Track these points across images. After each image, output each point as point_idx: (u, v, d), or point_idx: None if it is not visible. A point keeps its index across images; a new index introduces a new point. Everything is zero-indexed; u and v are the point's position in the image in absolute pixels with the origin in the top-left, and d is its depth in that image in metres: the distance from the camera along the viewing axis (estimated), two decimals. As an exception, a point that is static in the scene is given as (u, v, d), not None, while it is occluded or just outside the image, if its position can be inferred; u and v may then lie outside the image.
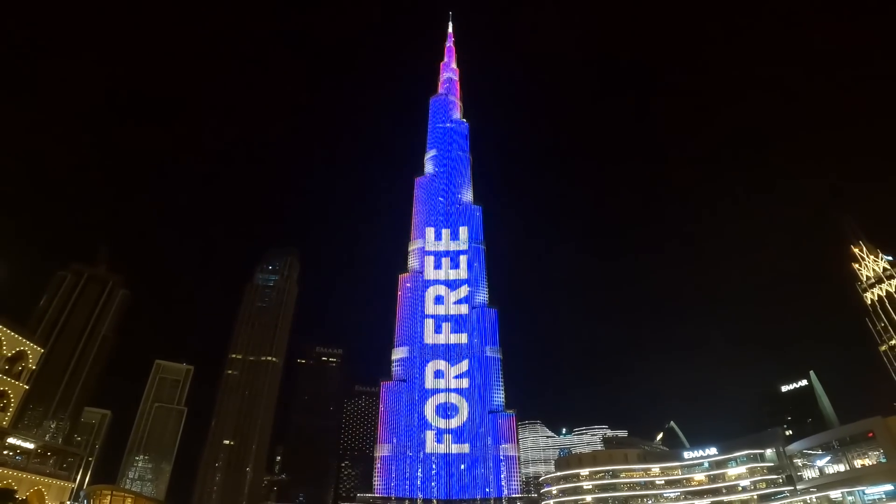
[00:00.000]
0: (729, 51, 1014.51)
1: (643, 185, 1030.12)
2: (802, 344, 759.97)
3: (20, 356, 68.26)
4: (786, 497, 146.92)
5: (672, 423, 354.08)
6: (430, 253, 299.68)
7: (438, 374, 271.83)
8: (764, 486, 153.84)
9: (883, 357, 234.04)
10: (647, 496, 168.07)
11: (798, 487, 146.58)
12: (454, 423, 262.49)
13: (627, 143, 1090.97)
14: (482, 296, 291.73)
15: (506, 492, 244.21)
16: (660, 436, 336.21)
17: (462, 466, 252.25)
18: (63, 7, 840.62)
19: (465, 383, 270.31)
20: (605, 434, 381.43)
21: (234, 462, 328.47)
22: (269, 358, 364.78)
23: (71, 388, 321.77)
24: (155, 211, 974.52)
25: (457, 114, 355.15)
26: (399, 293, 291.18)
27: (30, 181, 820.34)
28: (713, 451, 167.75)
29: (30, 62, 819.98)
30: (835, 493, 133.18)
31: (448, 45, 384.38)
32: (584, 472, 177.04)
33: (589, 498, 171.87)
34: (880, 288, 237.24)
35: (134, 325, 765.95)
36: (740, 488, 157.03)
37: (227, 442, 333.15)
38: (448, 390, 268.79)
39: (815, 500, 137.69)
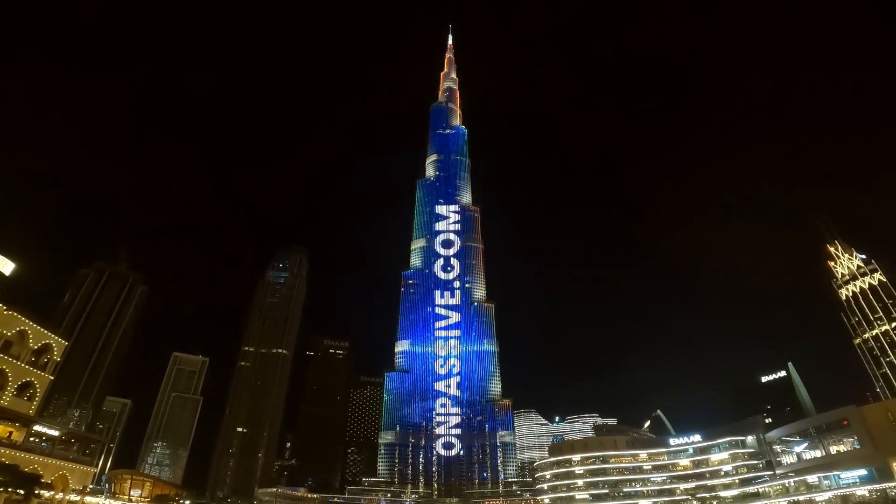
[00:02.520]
0: (714, 59, 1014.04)
1: (634, 189, 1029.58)
2: (781, 337, 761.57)
3: (46, 349, 68.19)
4: (766, 481, 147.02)
5: (658, 411, 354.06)
6: (431, 251, 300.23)
7: (439, 366, 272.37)
8: (745, 470, 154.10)
9: (857, 349, 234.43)
10: (635, 480, 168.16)
11: (777, 472, 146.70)
12: (454, 411, 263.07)
13: (619, 147, 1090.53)
14: (480, 292, 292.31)
15: (502, 476, 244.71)
16: (647, 423, 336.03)
17: (461, 452, 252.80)
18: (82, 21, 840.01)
19: (463, 374, 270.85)
20: (596, 422, 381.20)
21: (246, 448, 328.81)
22: (280, 350, 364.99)
23: (93, 378, 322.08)
24: (173, 212, 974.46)
25: (456, 120, 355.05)
26: (402, 289, 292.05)
27: (54, 184, 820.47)
28: (697, 438, 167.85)
29: (60, 74, 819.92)
30: (812, 478, 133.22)
31: (448, 55, 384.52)
32: (576, 457, 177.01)
33: (581, 482, 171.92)
34: (854, 284, 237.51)
35: (152, 320, 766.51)
36: (723, 473, 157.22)
37: (240, 429, 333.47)
38: (448, 381, 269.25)
39: (793, 484, 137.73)
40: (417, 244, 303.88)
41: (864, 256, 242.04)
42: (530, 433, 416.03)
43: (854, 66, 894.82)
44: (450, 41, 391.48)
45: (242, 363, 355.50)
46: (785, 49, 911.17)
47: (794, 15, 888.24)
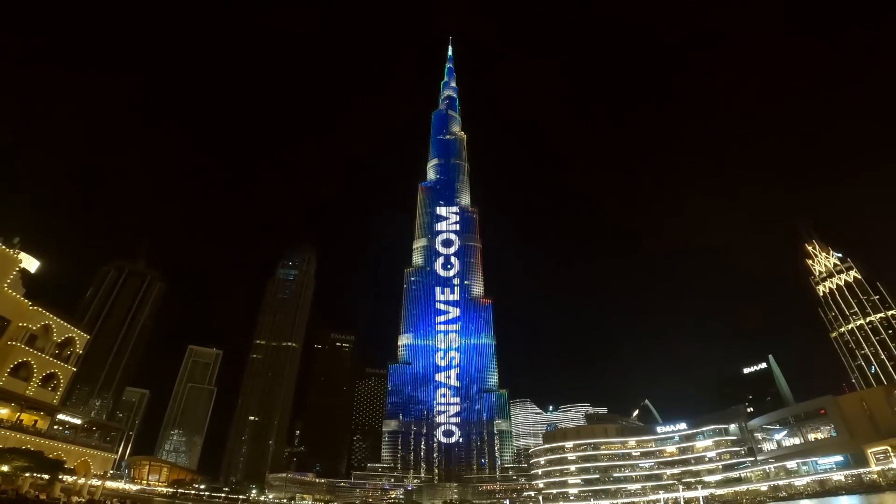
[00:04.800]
0: (698, 70, 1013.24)
1: (623, 191, 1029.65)
2: (762, 331, 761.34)
3: (69, 342, 68.05)
4: (747, 467, 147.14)
5: (646, 401, 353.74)
6: (432, 250, 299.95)
7: (439, 358, 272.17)
8: (728, 457, 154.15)
9: (833, 343, 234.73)
10: (624, 466, 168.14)
11: (758, 458, 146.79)
12: (453, 401, 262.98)
13: (609, 152, 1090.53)
14: (478, 288, 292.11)
15: (499, 462, 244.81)
16: (636, 412, 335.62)
17: (460, 440, 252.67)
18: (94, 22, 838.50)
19: (462, 366, 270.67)
20: (588, 411, 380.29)
21: (258, 436, 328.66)
22: (290, 343, 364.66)
23: (113, 370, 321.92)
24: (189, 213, 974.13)
25: (456, 127, 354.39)
26: (404, 286, 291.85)
27: (76, 185, 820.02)
28: (683, 426, 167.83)
29: (79, 75, 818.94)
30: (791, 464, 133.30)
31: (448, 65, 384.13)
32: (569, 444, 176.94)
33: (573, 467, 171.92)
34: (831, 281, 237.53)
35: (169, 314, 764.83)
36: (707, 459, 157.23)
37: (252, 418, 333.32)
38: (448, 372, 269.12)
39: (773, 469, 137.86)
40: (419, 243, 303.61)
41: (840, 255, 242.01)
42: (526, 421, 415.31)
43: (831, 71, 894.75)
44: (450, 52, 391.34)
45: (254, 355, 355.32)
46: (765, 56, 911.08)
47: (774, 24, 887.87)
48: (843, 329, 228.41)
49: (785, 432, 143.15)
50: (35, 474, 52.89)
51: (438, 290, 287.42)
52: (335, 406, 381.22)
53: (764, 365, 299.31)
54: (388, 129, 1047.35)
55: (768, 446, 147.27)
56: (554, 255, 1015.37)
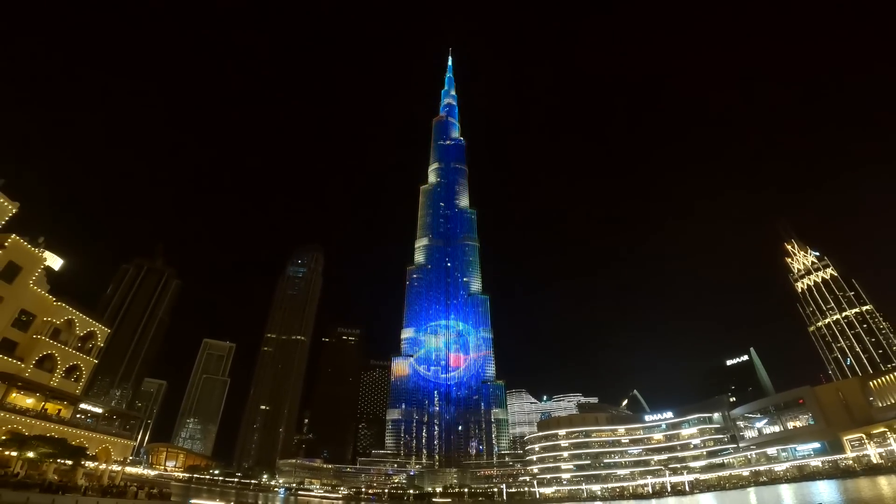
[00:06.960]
0: (683, 78, 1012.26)
1: (615, 193, 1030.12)
2: (744, 325, 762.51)
3: (90, 335, 67.97)
4: (730, 453, 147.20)
5: (635, 391, 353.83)
6: (432, 249, 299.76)
7: (439, 351, 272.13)
8: (712, 444, 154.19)
9: (811, 336, 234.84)
10: (614, 452, 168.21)
11: (740, 445, 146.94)
12: (453, 391, 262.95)
13: (602, 156, 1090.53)
14: (476, 285, 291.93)
15: (496, 449, 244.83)
16: (625, 402, 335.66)
17: (459, 427, 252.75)
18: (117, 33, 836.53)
19: (461, 358, 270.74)
20: (579, 400, 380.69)
21: (269, 424, 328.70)
22: (299, 337, 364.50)
23: (133, 362, 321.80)
24: (204, 214, 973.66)
25: (455, 133, 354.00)
26: (407, 283, 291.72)
27: (97, 187, 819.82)
28: (669, 415, 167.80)
29: (100, 82, 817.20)
30: (771, 450, 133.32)
31: (448, 75, 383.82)
32: (562, 432, 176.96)
33: (566, 454, 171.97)
34: (809, 278, 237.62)
35: (185, 310, 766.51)
36: (692, 446, 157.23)
37: (263, 407, 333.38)
38: (447, 364, 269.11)
39: (754, 455, 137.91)
40: (421, 242, 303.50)
41: (817, 253, 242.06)
42: (521, 410, 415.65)
43: (811, 79, 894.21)
44: (450, 62, 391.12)
45: (265, 348, 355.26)
46: (746, 64, 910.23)
47: (753, 32, 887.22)
48: (820, 323, 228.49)
49: (765, 421, 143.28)
50: (59, 460, 52.91)
51: (439, 286, 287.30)
52: (342, 396, 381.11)
53: (746, 357, 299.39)
54: (391, 135, 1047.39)
55: (750, 434, 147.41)
56: (549, 253, 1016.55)
